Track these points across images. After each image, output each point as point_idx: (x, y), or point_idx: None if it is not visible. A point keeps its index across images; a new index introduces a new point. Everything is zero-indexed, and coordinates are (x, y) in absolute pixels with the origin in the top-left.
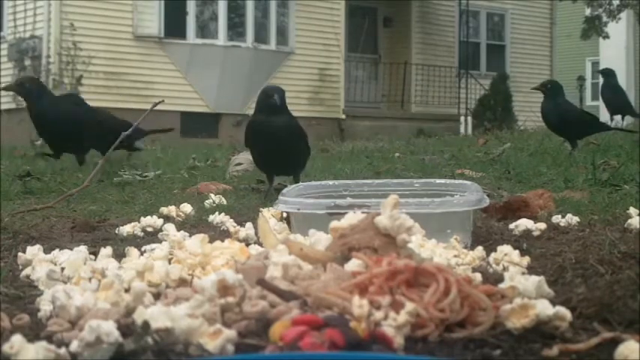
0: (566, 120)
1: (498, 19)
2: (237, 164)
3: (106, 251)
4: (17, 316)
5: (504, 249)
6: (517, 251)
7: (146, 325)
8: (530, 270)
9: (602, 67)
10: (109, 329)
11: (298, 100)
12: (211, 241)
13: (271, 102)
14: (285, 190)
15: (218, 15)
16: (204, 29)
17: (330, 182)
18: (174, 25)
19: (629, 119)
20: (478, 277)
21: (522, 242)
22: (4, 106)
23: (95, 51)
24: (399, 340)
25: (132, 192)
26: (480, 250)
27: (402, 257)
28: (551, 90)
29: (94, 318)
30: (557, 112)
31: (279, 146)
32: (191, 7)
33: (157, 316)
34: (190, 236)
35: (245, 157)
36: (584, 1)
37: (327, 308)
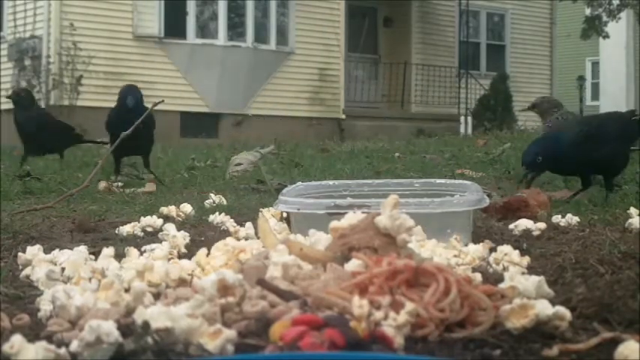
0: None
1: (498, 19)
2: (237, 164)
3: (108, 251)
4: (17, 316)
5: (504, 249)
6: (517, 251)
7: (146, 325)
8: (530, 270)
9: (601, 67)
10: (109, 329)
11: (298, 100)
12: (212, 241)
13: None
14: (285, 190)
15: (218, 15)
16: (204, 29)
17: (330, 182)
18: (174, 25)
19: None
20: (478, 277)
21: (522, 242)
22: (4, 106)
23: (95, 51)
24: (399, 340)
25: (132, 192)
26: (480, 250)
27: (402, 257)
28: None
29: (94, 318)
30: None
31: None
32: (191, 7)
33: (156, 316)
34: (190, 236)
35: (245, 157)
36: (584, 1)
37: (327, 308)
